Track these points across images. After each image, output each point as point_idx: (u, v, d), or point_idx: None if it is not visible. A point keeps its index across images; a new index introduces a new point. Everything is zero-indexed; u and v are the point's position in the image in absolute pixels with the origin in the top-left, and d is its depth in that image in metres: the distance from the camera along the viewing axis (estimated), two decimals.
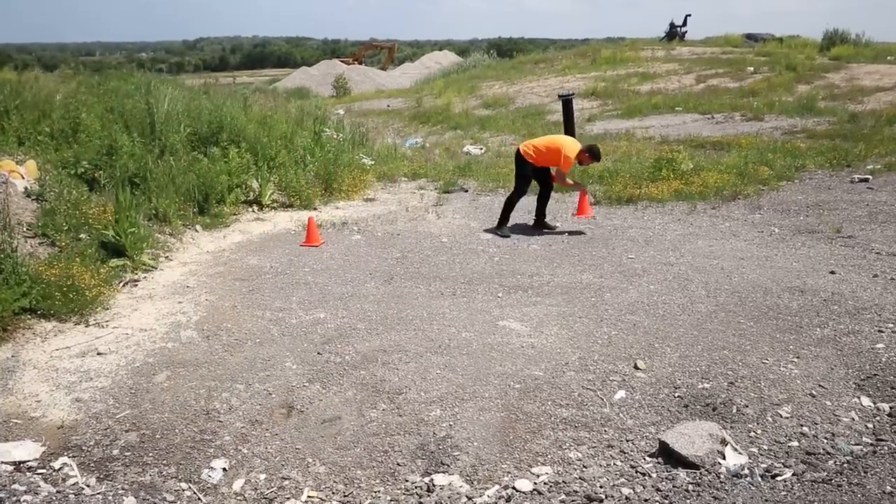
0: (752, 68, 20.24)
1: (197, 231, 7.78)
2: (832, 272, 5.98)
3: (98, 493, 3.24)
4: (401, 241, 7.50)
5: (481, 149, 13.51)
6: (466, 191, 9.93)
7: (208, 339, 4.99)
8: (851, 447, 3.46)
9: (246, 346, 4.89)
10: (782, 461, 3.38)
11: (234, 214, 8.46)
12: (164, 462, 3.59)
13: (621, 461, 3.47)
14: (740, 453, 3.41)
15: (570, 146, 7.48)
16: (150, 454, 3.65)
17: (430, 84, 28.04)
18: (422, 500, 3.24)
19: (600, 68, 23.22)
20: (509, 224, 7.88)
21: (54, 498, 3.16)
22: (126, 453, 3.66)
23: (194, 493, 3.37)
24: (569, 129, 11.38)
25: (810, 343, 4.64)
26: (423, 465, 3.51)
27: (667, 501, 3.12)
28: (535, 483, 3.32)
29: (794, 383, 4.11)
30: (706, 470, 3.28)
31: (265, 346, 4.88)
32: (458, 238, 7.57)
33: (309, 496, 3.34)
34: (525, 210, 8.29)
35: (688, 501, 3.10)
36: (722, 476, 3.24)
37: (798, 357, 4.44)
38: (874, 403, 3.88)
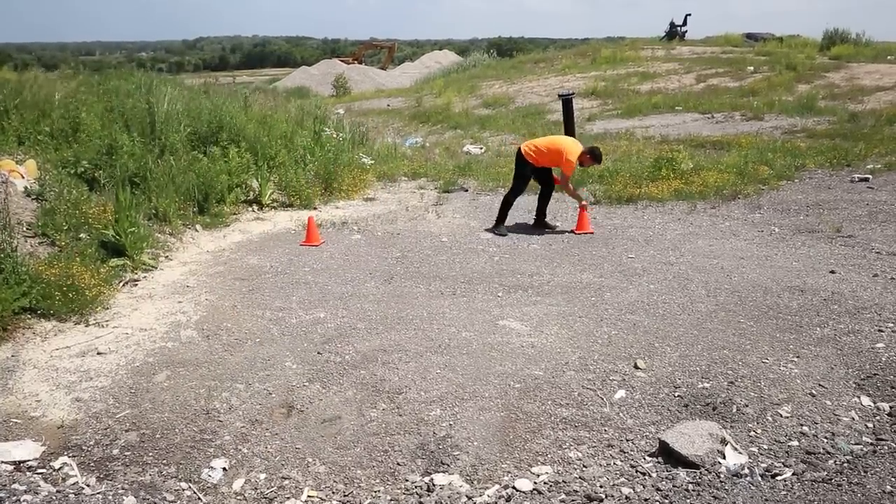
0: (752, 68, 20.23)
1: (197, 231, 7.78)
2: (832, 272, 5.98)
3: (98, 493, 3.24)
4: (401, 240, 7.50)
5: (481, 148, 13.51)
6: (466, 190, 9.93)
7: (208, 339, 4.99)
8: (851, 447, 3.46)
9: (246, 345, 4.89)
10: (782, 461, 3.38)
11: (234, 214, 8.46)
12: (164, 462, 3.59)
13: (621, 461, 3.47)
14: (740, 453, 3.41)
15: (572, 148, 7.47)
16: (150, 454, 3.65)
17: (430, 83, 28.03)
18: (422, 499, 3.24)
19: (600, 68, 23.21)
20: (509, 224, 7.89)
21: (54, 497, 3.16)
22: (126, 453, 3.66)
23: (194, 492, 3.37)
24: (569, 129, 11.38)
25: (810, 342, 4.64)
26: (423, 465, 3.51)
27: (667, 501, 3.12)
28: (536, 482, 3.32)
29: (794, 383, 4.11)
30: (706, 469, 3.28)
31: (265, 345, 4.88)
32: (458, 237, 7.57)
33: (309, 496, 3.34)
34: (525, 210, 8.29)
35: (688, 501, 3.10)
36: (722, 475, 3.24)
37: (798, 356, 4.44)
38: (874, 403, 3.88)
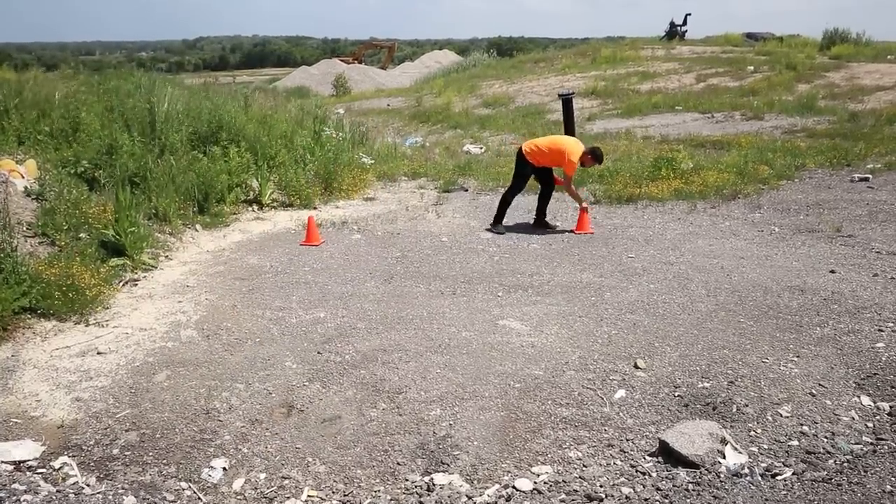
0: (752, 67, 20.23)
1: (197, 230, 7.78)
2: (832, 271, 5.98)
3: (98, 493, 3.24)
4: (401, 240, 7.50)
5: (481, 148, 13.51)
6: (466, 190, 9.93)
7: (208, 339, 4.99)
8: (851, 446, 3.46)
9: (246, 345, 4.89)
10: (782, 460, 3.38)
11: (234, 214, 8.46)
12: (164, 461, 3.59)
13: (621, 460, 3.47)
14: (740, 452, 3.41)
15: (574, 148, 7.47)
16: (150, 453, 3.65)
17: (430, 83, 28.03)
18: (422, 499, 3.24)
19: (600, 67, 23.21)
20: (510, 224, 7.89)
21: (54, 497, 3.16)
22: (126, 453, 3.66)
23: (194, 492, 3.37)
24: (569, 129, 11.39)
25: (810, 342, 4.64)
26: (423, 465, 3.51)
27: (667, 501, 3.12)
28: (536, 482, 3.32)
29: (794, 382, 4.11)
30: (706, 469, 3.28)
31: (265, 345, 4.88)
32: (458, 237, 7.57)
33: (309, 495, 3.34)
34: (525, 210, 8.29)
35: (688, 501, 3.10)
36: (722, 475, 3.24)
37: (798, 356, 4.44)
38: (874, 402, 3.88)
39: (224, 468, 3.53)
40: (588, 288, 5.85)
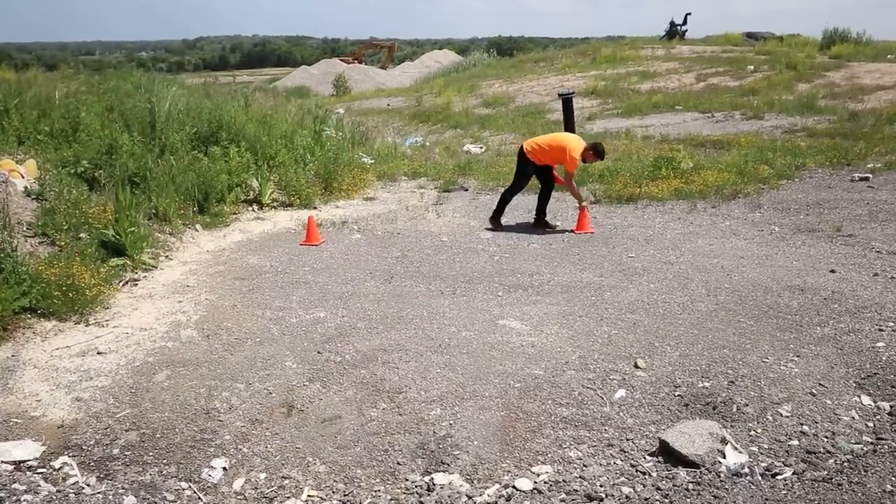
0: (752, 67, 20.22)
1: (197, 230, 7.78)
2: (832, 271, 5.98)
3: (98, 493, 3.24)
4: (401, 240, 7.50)
5: (481, 147, 13.51)
6: (466, 190, 9.93)
7: (208, 339, 4.99)
8: (852, 446, 3.46)
9: (246, 345, 4.89)
10: (782, 460, 3.38)
11: (234, 213, 8.46)
12: (165, 461, 3.59)
13: (621, 460, 3.47)
14: (740, 452, 3.41)
15: (575, 144, 7.48)
16: (151, 453, 3.65)
17: (430, 83, 28.03)
18: (422, 499, 3.24)
19: (600, 67, 23.21)
20: (511, 223, 7.89)
21: (54, 497, 3.16)
22: (126, 452, 3.66)
23: (194, 492, 3.37)
24: (569, 128, 11.36)
25: (810, 342, 4.63)
26: (423, 465, 3.51)
27: (667, 500, 3.12)
28: (536, 482, 3.32)
29: (795, 382, 4.11)
30: (706, 469, 3.28)
31: (265, 345, 4.88)
32: (459, 237, 7.57)
33: (309, 495, 3.34)
34: (525, 209, 8.29)
35: (688, 500, 3.09)
36: (722, 475, 3.24)
37: (798, 356, 4.44)
38: (874, 402, 3.88)
39: (224, 468, 3.53)
40: (588, 287, 5.85)
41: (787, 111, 14.58)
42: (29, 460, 3.55)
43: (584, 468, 3.41)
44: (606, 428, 3.74)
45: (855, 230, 7.13)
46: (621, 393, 4.08)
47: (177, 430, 3.86)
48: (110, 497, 3.20)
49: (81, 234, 6.39)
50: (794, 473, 3.24)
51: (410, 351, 4.69)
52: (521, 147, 7.85)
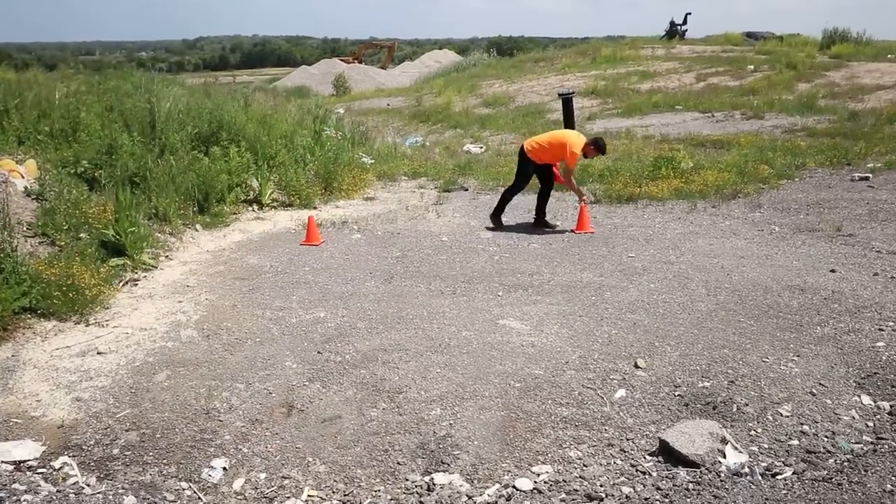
0: (752, 67, 20.22)
1: (197, 230, 7.78)
2: (832, 270, 5.98)
3: (98, 493, 3.24)
4: (401, 239, 7.50)
5: (481, 147, 13.51)
6: (466, 189, 9.93)
7: (208, 339, 4.99)
8: (852, 446, 3.46)
9: (246, 345, 4.89)
10: (782, 460, 3.38)
11: (234, 213, 8.46)
12: (165, 461, 3.59)
13: (621, 460, 3.47)
14: (741, 452, 3.41)
15: (576, 140, 7.50)
16: (151, 453, 3.65)
17: (430, 83, 28.02)
18: (422, 499, 3.24)
19: (600, 67, 23.20)
20: (510, 223, 7.90)
21: (54, 497, 3.16)
22: (126, 452, 3.66)
23: (194, 492, 3.37)
24: (569, 128, 11.37)
25: (810, 341, 4.63)
26: (423, 464, 3.51)
27: (667, 500, 3.12)
28: (536, 482, 3.32)
29: (795, 382, 4.11)
30: (706, 468, 3.28)
31: (265, 345, 4.88)
32: (459, 237, 7.57)
33: (309, 495, 3.34)
34: (525, 209, 8.29)
35: (688, 500, 3.09)
36: (722, 475, 3.24)
37: (798, 355, 4.44)
38: (874, 402, 3.88)
39: (224, 468, 3.53)
40: (588, 287, 5.85)
41: (787, 111, 14.57)
42: (29, 460, 3.55)
43: (584, 468, 3.41)
44: (606, 428, 3.74)
45: (855, 230, 7.13)
46: (621, 393, 4.08)
47: (177, 430, 3.86)
48: (110, 497, 3.20)
49: (81, 234, 6.39)
50: (794, 473, 3.24)
51: (410, 351, 4.69)
52: (522, 147, 7.86)
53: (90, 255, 6.06)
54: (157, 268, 6.59)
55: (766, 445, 3.52)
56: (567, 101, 11.60)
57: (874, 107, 14.06)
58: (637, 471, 3.36)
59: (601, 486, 3.26)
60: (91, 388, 4.32)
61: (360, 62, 47.85)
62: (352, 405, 4.05)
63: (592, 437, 3.66)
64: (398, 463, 3.53)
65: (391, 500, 3.28)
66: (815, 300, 5.32)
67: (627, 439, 3.63)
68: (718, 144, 11.80)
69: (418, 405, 4.01)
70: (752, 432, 3.63)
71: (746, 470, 3.26)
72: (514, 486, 3.29)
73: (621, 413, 3.88)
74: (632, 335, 4.85)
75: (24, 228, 6.22)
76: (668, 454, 3.41)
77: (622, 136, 13.26)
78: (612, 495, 3.18)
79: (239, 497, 3.34)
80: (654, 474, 3.31)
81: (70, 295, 5.31)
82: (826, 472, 3.23)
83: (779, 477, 3.21)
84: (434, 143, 14.78)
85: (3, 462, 3.48)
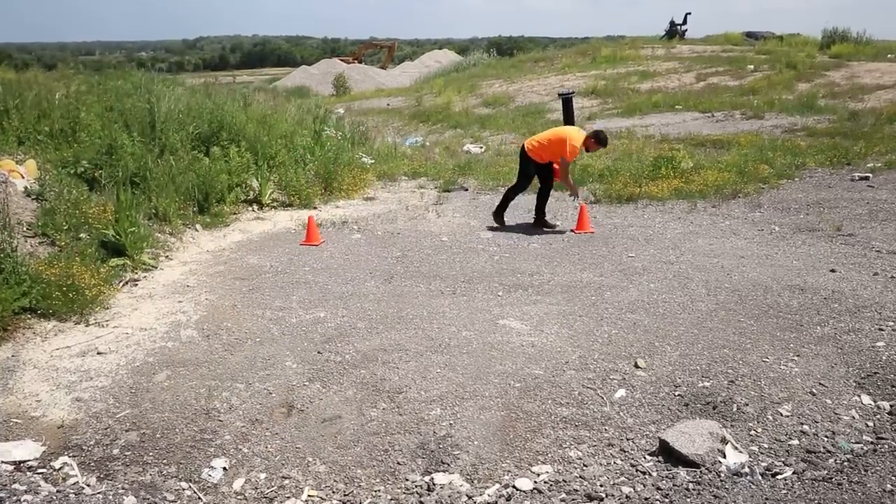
0: (752, 66, 20.22)
1: (197, 230, 7.78)
2: (832, 270, 5.98)
3: (98, 493, 3.24)
4: (401, 239, 7.50)
5: (481, 147, 13.51)
6: (466, 189, 9.93)
7: (208, 339, 4.99)
8: (852, 445, 3.46)
9: (246, 345, 4.89)
10: (783, 459, 3.38)
11: (234, 214, 8.46)
12: (165, 461, 3.59)
13: (621, 460, 3.47)
14: (741, 452, 3.41)
15: (575, 135, 7.53)
16: (151, 453, 3.65)
17: (430, 83, 28.02)
18: (422, 499, 3.24)
19: (600, 67, 23.21)
20: (510, 223, 7.90)
21: (54, 497, 3.16)
22: (126, 453, 3.66)
23: (194, 492, 3.37)
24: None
25: (811, 341, 4.63)
26: (423, 464, 3.51)
27: (667, 500, 3.12)
28: (536, 482, 3.32)
29: (795, 381, 4.11)
30: (706, 468, 3.28)
31: (265, 345, 4.88)
32: (459, 237, 7.57)
33: (309, 495, 3.34)
34: (525, 209, 8.29)
35: (688, 500, 3.09)
36: (722, 474, 3.24)
37: (798, 355, 4.44)
38: (874, 402, 3.87)
39: (224, 468, 3.53)
40: (588, 287, 5.85)
41: (787, 111, 14.57)
42: (29, 460, 3.55)
43: (585, 468, 3.41)
44: (606, 428, 3.74)
45: (855, 229, 7.13)
46: (621, 393, 4.08)
47: (177, 430, 3.86)
48: (110, 497, 3.20)
49: (81, 235, 6.39)
50: (794, 473, 3.24)
51: (410, 351, 4.69)
52: (523, 146, 7.86)
53: (90, 255, 6.06)
54: (157, 268, 6.59)
55: (766, 445, 3.52)
56: (567, 100, 11.62)
57: (874, 106, 14.05)
58: (637, 471, 3.36)
59: (601, 486, 3.26)
60: (91, 388, 4.32)
61: (360, 62, 47.85)
62: (352, 405, 4.05)
63: (592, 437, 3.66)
64: (398, 463, 3.53)
65: (391, 500, 3.28)
66: (815, 300, 5.32)
67: (627, 439, 3.64)
68: (718, 144, 11.80)
69: (418, 405, 4.01)
70: (752, 432, 3.63)
71: (746, 470, 3.26)
72: (514, 486, 3.29)
73: (621, 413, 3.88)
74: (632, 335, 4.85)
75: (24, 228, 6.22)
76: (669, 454, 3.41)
77: (622, 136, 13.25)
78: (612, 495, 3.18)
79: (239, 497, 3.35)
80: (654, 474, 3.31)
81: (70, 295, 5.31)
82: (826, 471, 3.23)
83: (779, 477, 3.21)
84: (434, 143, 14.78)
85: (3, 462, 3.48)
